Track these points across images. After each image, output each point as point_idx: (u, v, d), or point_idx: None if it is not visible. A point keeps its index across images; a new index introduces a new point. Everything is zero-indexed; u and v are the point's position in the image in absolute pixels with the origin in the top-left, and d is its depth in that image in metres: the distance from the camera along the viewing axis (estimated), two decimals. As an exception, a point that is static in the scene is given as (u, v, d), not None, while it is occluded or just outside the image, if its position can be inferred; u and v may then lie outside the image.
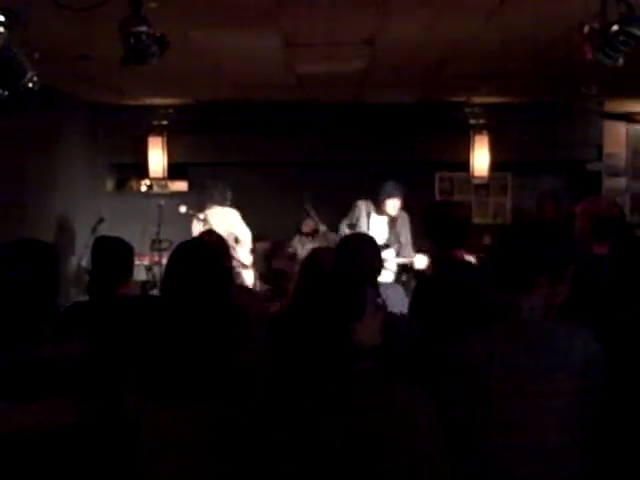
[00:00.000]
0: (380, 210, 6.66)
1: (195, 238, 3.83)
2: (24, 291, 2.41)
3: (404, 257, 6.54)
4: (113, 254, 3.33)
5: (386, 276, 6.41)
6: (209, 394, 2.35)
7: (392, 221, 6.66)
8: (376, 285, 2.92)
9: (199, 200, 7.19)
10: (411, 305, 3.54)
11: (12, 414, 2.28)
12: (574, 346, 2.17)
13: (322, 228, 7.12)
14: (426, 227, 3.57)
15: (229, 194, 6.97)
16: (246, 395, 2.27)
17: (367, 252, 3.29)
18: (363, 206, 6.74)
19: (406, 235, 6.63)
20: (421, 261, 6.38)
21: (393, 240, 6.59)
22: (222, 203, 6.93)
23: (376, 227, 6.66)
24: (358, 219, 6.68)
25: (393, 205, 6.59)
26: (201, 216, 6.80)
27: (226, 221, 6.83)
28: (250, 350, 2.50)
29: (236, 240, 6.86)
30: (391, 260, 6.49)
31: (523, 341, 2.17)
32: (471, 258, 4.36)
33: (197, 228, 6.67)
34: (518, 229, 2.41)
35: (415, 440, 1.91)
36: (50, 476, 2.27)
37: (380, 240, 6.54)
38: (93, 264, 3.35)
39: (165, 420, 2.38)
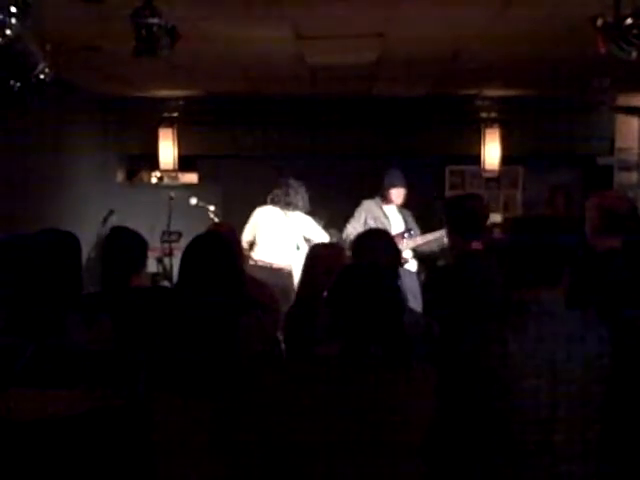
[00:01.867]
0: (386, 200, 6.67)
1: (210, 232, 3.82)
2: (48, 279, 2.43)
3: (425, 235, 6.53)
4: (127, 246, 3.34)
5: (411, 265, 6.51)
6: (220, 386, 2.36)
7: (400, 208, 6.72)
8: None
9: (211, 193, 7.17)
10: (429, 295, 3.57)
11: (39, 400, 2.30)
12: (589, 338, 2.17)
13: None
14: (447, 218, 3.60)
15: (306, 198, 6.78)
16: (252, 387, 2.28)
17: (385, 249, 3.32)
18: (372, 203, 6.68)
19: (412, 221, 6.70)
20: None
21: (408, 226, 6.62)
22: (303, 208, 6.77)
23: (392, 216, 6.66)
24: (372, 213, 6.62)
25: (397, 194, 6.62)
26: (211, 208, 6.80)
27: (303, 226, 6.75)
28: (256, 340, 2.52)
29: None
30: (414, 243, 6.52)
31: (551, 332, 2.17)
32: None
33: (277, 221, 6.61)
34: (535, 223, 2.39)
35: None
36: (73, 462, 2.30)
37: (400, 228, 6.56)
38: (106, 255, 3.36)
39: (178, 411, 2.39)
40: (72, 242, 2.61)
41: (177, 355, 2.45)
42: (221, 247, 2.71)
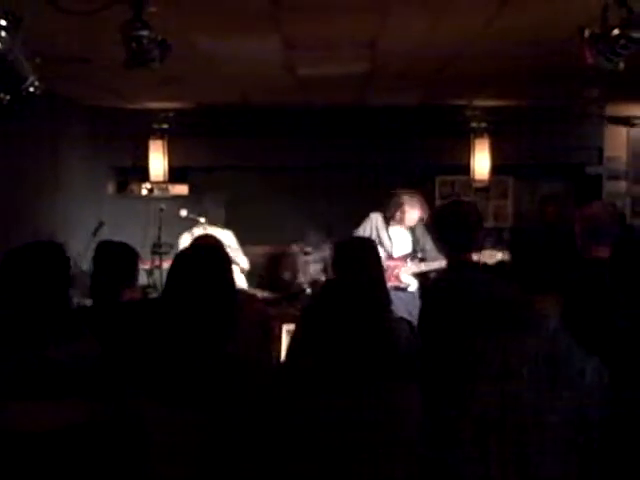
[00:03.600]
0: (395, 220, 6.40)
1: (198, 245, 3.81)
2: (35, 292, 2.42)
3: (433, 262, 6.11)
4: (116, 258, 3.32)
5: (412, 285, 6.23)
6: (213, 396, 2.35)
7: (412, 230, 6.41)
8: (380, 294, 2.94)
9: (200, 205, 7.17)
10: (424, 312, 3.50)
11: (22, 413, 2.29)
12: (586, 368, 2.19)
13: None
14: (437, 230, 3.55)
15: (222, 211, 6.87)
16: (248, 397, 2.28)
17: (368, 258, 3.28)
18: (379, 218, 6.49)
19: (429, 241, 6.27)
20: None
21: (418, 248, 6.34)
22: (218, 222, 6.83)
23: (397, 238, 6.44)
24: (377, 231, 6.41)
25: (413, 218, 6.36)
26: (202, 220, 6.79)
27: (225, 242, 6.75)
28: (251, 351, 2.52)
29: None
30: (418, 268, 6.24)
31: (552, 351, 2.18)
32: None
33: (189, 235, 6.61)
34: (538, 234, 2.42)
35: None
36: (58, 475, 2.28)
37: (404, 250, 6.35)
38: (95, 268, 3.35)
39: (170, 422, 2.38)
40: (59, 255, 2.60)
41: (169, 366, 2.44)
42: (214, 260, 2.70)
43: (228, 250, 6.45)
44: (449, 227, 3.47)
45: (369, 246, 3.47)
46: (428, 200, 8.51)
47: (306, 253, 7.59)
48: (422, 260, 6.29)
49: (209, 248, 3.14)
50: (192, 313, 2.51)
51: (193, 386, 2.38)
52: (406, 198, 6.39)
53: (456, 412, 2.20)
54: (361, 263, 3.18)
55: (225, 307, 2.56)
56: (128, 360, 2.47)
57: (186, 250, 2.83)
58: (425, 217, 6.30)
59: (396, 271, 6.20)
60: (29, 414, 2.29)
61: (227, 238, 6.70)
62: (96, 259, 3.39)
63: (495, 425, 2.16)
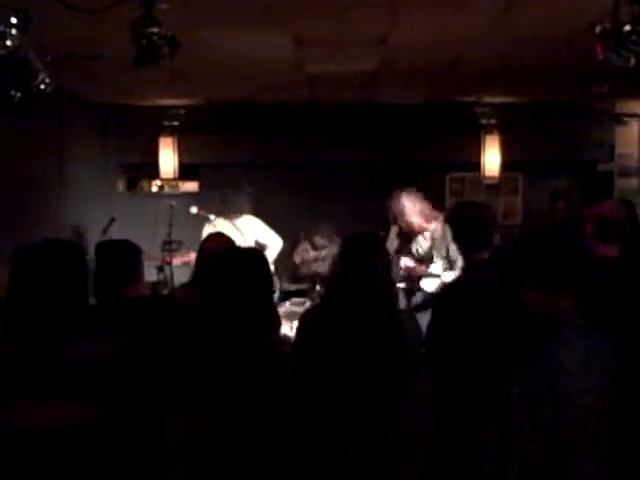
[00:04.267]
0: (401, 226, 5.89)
1: (249, 248, 3.76)
2: (51, 290, 2.43)
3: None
4: (116, 257, 3.29)
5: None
6: (239, 397, 2.35)
7: (431, 236, 5.78)
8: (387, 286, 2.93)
9: (212, 202, 7.16)
10: (435, 312, 3.48)
11: (42, 411, 2.30)
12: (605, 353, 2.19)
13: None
14: (452, 230, 3.54)
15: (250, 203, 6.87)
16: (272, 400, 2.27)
17: (375, 252, 3.25)
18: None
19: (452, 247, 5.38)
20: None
21: (436, 255, 5.67)
22: (248, 210, 6.81)
23: (419, 243, 5.92)
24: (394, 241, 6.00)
25: (403, 219, 5.82)
26: (211, 217, 6.80)
27: (255, 229, 6.79)
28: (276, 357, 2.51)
29: (263, 248, 6.71)
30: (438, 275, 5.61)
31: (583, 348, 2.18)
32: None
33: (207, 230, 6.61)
34: (550, 233, 2.41)
35: None
36: (73, 474, 2.29)
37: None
38: (96, 268, 3.32)
39: (196, 421, 2.38)
40: (77, 253, 2.60)
41: (195, 365, 2.44)
42: (262, 266, 2.68)
43: (259, 240, 6.57)
44: (463, 227, 3.48)
45: (375, 240, 3.44)
46: (438, 197, 8.56)
47: (315, 247, 7.59)
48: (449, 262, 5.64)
49: (249, 253, 3.12)
50: (232, 315, 2.51)
51: (222, 386, 2.38)
52: (392, 199, 5.86)
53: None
54: (367, 256, 3.15)
55: (263, 308, 2.56)
56: (150, 358, 2.47)
57: (225, 255, 2.81)
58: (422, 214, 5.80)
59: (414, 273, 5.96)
60: (48, 413, 2.30)
61: (257, 226, 6.74)
62: (97, 258, 3.36)
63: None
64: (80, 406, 2.31)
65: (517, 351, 2.27)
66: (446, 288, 3.72)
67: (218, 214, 6.83)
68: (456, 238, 3.58)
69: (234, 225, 6.72)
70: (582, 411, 2.13)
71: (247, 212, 6.86)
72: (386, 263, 3.25)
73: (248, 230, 6.74)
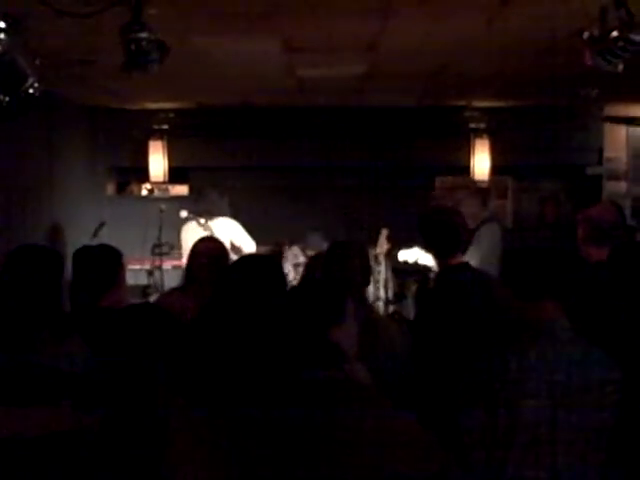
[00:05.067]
0: None
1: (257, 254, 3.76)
2: (26, 296, 2.41)
3: None
4: (92, 263, 3.19)
5: None
6: (245, 397, 2.34)
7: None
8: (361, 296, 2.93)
9: (199, 206, 7.14)
10: (417, 318, 3.52)
11: (10, 418, 2.28)
12: (593, 363, 2.19)
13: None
14: (422, 235, 3.57)
15: (226, 202, 6.85)
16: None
17: (354, 262, 3.28)
18: None
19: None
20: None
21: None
22: (224, 213, 6.77)
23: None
24: None
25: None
26: (202, 221, 6.78)
27: (229, 231, 6.77)
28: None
29: (238, 251, 6.74)
30: None
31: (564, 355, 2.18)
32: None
33: (197, 233, 6.56)
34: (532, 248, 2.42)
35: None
36: None
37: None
38: (73, 274, 3.24)
39: (199, 422, 2.37)
40: (53, 259, 2.58)
41: (202, 367, 2.43)
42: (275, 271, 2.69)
43: (235, 242, 6.54)
44: (433, 233, 3.49)
45: (358, 249, 3.46)
46: (428, 200, 8.59)
47: (306, 255, 7.58)
48: None
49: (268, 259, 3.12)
50: (239, 315, 2.51)
51: (227, 387, 2.37)
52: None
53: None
54: (342, 264, 3.18)
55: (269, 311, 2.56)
56: (152, 362, 2.45)
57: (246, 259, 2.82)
58: None
59: None
60: (17, 419, 2.27)
61: (233, 228, 6.70)
62: (73, 265, 3.27)
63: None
64: (47, 412, 2.28)
65: (474, 351, 2.29)
66: (423, 294, 3.74)
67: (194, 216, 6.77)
68: (427, 243, 3.59)
69: (207, 228, 6.64)
70: (525, 415, 2.14)
71: (225, 214, 6.79)
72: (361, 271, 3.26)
73: (222, 232, 6.68)
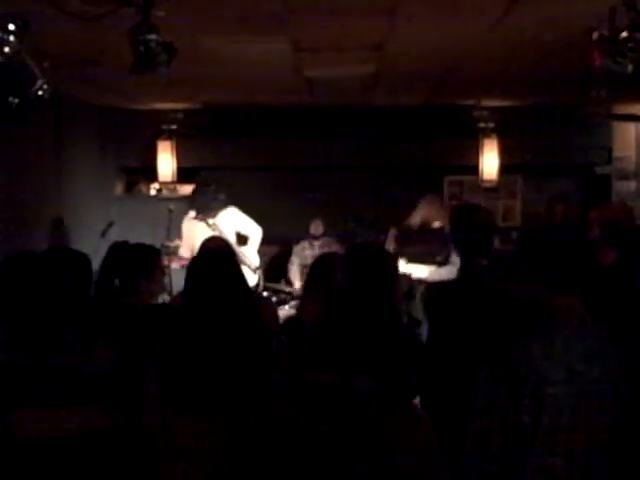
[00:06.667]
0: None
1: (215, 250, 3.78)
2: (54, 297, 2.43)
3: None
4: (121, 260, 3.25)
5: None
6: (233, 406, 2.35)
7: None
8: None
9: (199, 205, 7.13)
10: (431, 312, 3.46)
11: (44, 418, 2.30)
12: (610, 352, 2.19)
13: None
14: (452, 236, 3.50)
15: (223, 195, 6.86)
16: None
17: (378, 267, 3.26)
18: None
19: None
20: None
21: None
22: (222, 206, 6.82)
23: None
24: None
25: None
26: (210, 221, 6.79)
27: (233, 221, 6.82)
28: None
29: (244, 240, 6.81)
30: None
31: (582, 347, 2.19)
32: None
33: (203, 232, 6.57)
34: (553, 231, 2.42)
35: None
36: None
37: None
38: (101, 270, 3.28)
39: (190, 430, 2.38)
40: (82, 262, 2.61)
41: (188, 376, 2.45)
42: (228, 265, 2.71)
43: (241, 231, 6.59)
44: (463, 232, 3.45)
45: (378, 253, 3.44)
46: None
47: (315, 237, 7.58)
48: None
49: (222, 254, 3.13)
50: (212, 320, 2.52)
51: (218, 395, 2.38)
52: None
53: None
54: (362, 271, 3.17)
55: (244, 313, 2.57)
56: (139, 368, 2.47)
57: (200, 256, 2.84)
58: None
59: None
60: (48, 420, 2.30)
61: (236, 217, 6.80)
62: (105, 259, 3.31)
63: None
64: (79, 412, 2.31)
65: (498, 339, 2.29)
66: (442, 290, 3.68)
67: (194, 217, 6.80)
68: (457, 242, 3.53)
69: (210, 226, 6.66)
70: (549, 401, 2.14)
71: (220, 209, 6.80)
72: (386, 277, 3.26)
73: (226, 225, 6.72)
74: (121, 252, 3.29)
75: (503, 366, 2.19)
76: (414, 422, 2.01)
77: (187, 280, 2.80)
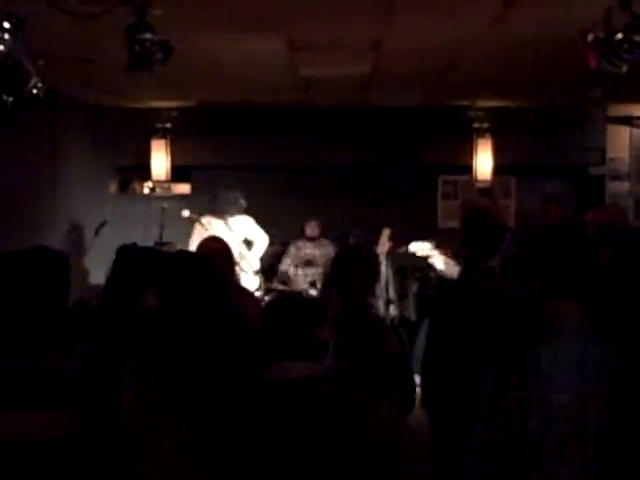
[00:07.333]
0: None
1: (180, 251, 3.80)
2: (30, 298, 2.41)
3: None
4: (132, 263, 3.23)
5: None
6: (212, 409, 2.34)
7: None
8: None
9: (204, 205, 7.15)
10: (438, 313, 3.45)
11: (11, 422, 2.27)
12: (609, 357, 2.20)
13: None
14: (465, 237, 3.44)
15: (244, 201, 6.93)
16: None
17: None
18: None
19: None
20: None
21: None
22: (239, 211, 6.91)
23: None
24: None
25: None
26: (204, 220, 6.79)
27: (246, 227, 6.98)
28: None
29: (250, 244, 6.92)
30: None
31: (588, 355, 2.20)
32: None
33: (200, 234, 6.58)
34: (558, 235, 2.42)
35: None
36: None
37: None
38: (112, 272, 3.25)
39: (169, 433, 2.38)
40: (60, 262, 2.58)
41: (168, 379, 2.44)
42: (195, 268, 2.72)
43: (248, 237, 6.69)
44: (472, 233, 3.43)
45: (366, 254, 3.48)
46: (431, 200, 8.60)
47: (310, 239, 7.63)
48: None
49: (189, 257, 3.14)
50: (184, 321, 2.52)
51: (196, 398, 2.38)
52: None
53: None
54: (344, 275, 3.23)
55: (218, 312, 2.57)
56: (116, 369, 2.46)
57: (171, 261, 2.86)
58: None
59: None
60: (18, 424, 2.26)
61: (248, 224, 6.97)
62: (115, 263, 3.28)
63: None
64: (47, 417, 2.27)
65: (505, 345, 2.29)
66: (447, 293, 3.65)
67: (211, 213, 6.86)
68: (466, 243, 3.49)
69: (227, 224, 6.75)
70: (556, 409, 2.14)
71: (238, 213, 6.93)
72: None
73: (239, 228, 6.89)
74: (130, 255, 3.28)
75: (515, 372, 2.18)
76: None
77: (161, 279, 2.79)
